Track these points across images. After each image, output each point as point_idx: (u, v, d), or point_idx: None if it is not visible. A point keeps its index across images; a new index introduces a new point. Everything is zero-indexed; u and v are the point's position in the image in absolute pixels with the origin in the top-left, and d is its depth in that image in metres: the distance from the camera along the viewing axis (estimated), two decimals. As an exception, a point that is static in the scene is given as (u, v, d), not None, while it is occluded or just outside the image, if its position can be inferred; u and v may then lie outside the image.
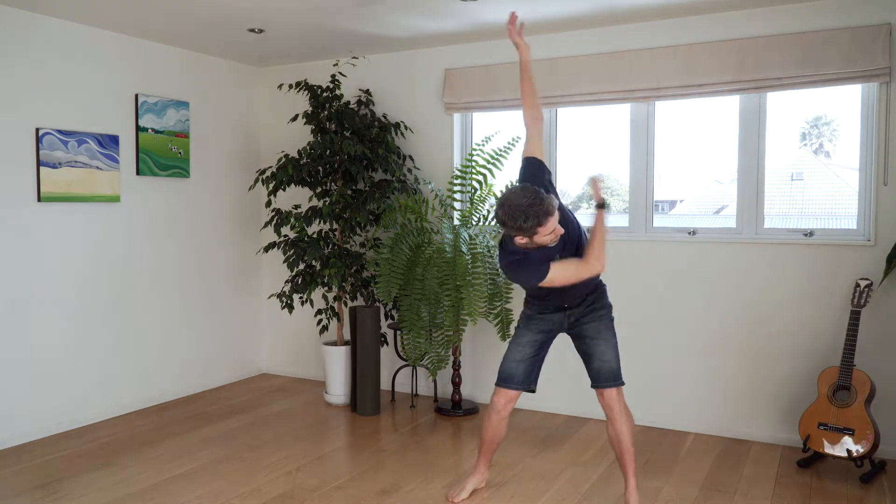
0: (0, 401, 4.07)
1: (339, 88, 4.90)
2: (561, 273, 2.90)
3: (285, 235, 4.98)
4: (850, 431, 3.57)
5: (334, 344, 5.01)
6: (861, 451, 3.53)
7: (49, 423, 4.31)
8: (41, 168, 4.19)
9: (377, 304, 5.00)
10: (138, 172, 4.78)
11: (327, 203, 4.79)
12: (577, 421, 4.58)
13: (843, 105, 4.07)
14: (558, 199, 3.00)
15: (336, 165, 4.86)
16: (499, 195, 4.64)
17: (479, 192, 4.64)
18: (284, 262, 4.80)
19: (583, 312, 3.15)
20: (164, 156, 4.94)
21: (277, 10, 4.10)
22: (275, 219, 4.79)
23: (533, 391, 3.28)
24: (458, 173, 4.62)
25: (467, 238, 4.35)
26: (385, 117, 5.09)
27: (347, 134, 4.86)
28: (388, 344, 5.10)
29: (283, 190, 4.89)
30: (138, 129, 4.76)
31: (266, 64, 5.62)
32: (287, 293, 4.91)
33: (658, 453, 4.00)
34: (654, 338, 4.45)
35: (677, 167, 4.59)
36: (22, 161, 4.13)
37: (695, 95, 4.25)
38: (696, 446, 4.12)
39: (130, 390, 4.80)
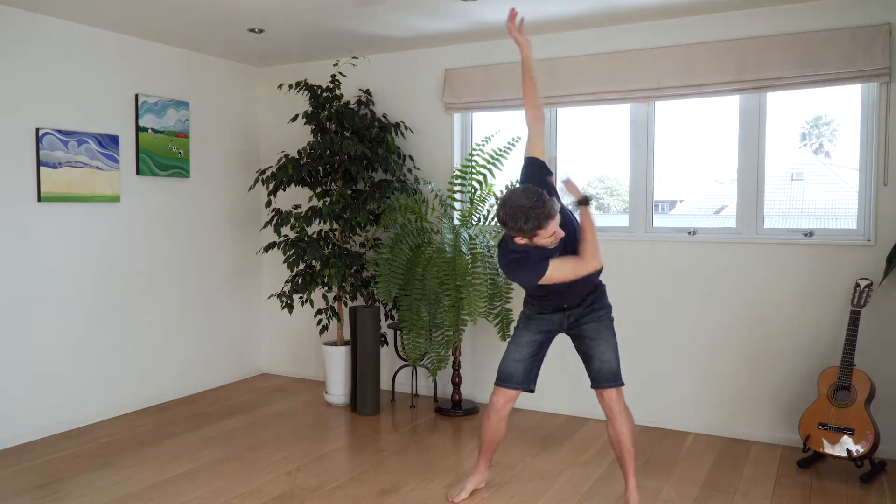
0: (0, 401, 4.07)
1: (339, 88, 4.90)
2: (559, 270, 2.90)
3: (285, 235, 4.98)
4: (850, 431, 3.57)
5: (334, 344, 5.02)
6: (861, 451, 3.53)
7: (49, 423, 4.31)
8: (41, 168, 4.19)
9: (377, 304, 5.00)
10: (138, 172, 4.78)
11: (327, 203, 4.79)
12: (577, 421, 4.58)
13: (843, 105, 4.07)
14: (559, 200, 3.00)
15: (336, 165, 4.86)
16: (499, 195, 4.65)
17: (479, 192, 4.64)
18: (284, 262, 4.80)
19: (582, 313, 3.15)
20: (164, 156, 4.94)
21: (277, 10, 4.10)
22: (275, 219, 4.79)
23: (532, 391, 3.28)
24: (458, 173, 4.62)
25: (467, 238, 4.35)
26: (385, 117, 5.09)
27: (347, 134, 4.86)
28: (388, 344, 5.10)
29: (283, 190, 4.89)
30: (138, 129, 4.76)
31: (266, 64, 5.62)
32: (287, 293, 4.91)
33: (658, 453, 4.00)
34: (654, 338, 4.45)
35: (677, 167, 4.59)
36: (22, 161, 4.13)
37: (695, 95, 4.25)
38: (696, 446, 4.12)
39: (130, 390, 4.80)
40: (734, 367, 4.25)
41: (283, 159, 4.74)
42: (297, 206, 4.94)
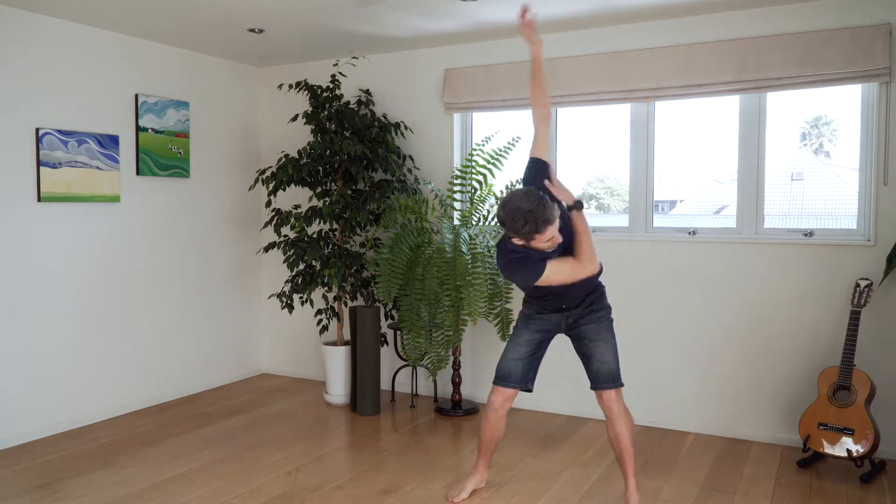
0: (0, 401, 4.07)
1: (339, 88, 4.90)
2: (557, 272, 2.90)
3: (285, 235, 4.98)
4: (850, 431, 3.57)
5: (334, 344, 5.02)
6: (861, 451, 3.53)
7: (49, 423, 4.31)
8: (41, 168, 4.19)
9: (377, 304, 5.00)
10: (138, 172, 4.78)
11: (327, 203, 4.79)
12: (577, 421, 4.58)
13: (843, 105, 4.07)
14: (560, 204, 2.99)
15: (336, 165, 4.86)
16: (499, 195, 4.66)
17: (479, 192, 4.64)
18: (284, 262, 4.80)
19: (581, 314, 3.14)
20: (164, 156, 4.94)
21: (277, 10, 4.10)
22: (275, 219, 4.79)
23: (530, 391, 3.28)
24: (458, 173, 4.62)
25: (467, 238, 4.35)
26: (385, 117, 5.09)
27: (347, 134, 4.86)
28: (388, 344, 5.10)
29: (283, 190, 4.89)
30: (138, 129, 4.76)
31: (266, 64, 5.62)
32: (287, 293, 4.91)
33: (658, 453, 4.00)
34: (654, 338, 4.45)
35: (677, 167, 4.59)
36: (22, 161, 4.13)
37: (695, 95, 4.25)
38: (696, 446, 4.12)
39: (130, 390, 4.80)
40: (734, 367, 4.25)
41: (283, 159, 4.74)
42: (297, 206, 4.94)
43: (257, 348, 5.86)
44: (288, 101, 5.60)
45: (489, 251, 4.35)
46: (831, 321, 4.00)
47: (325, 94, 4.82)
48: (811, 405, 3.73)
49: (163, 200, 4.98)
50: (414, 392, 5.16)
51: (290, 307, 4.93)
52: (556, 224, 2.79)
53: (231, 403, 5.00)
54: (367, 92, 5.17)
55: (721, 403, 4.29)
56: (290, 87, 4.86)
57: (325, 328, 4.97)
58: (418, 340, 4.49)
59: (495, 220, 4.51)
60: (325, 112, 4.82)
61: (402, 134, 5.10)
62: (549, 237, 2.80)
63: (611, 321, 3.18)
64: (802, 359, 4.07)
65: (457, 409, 4.73)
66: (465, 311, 4.21)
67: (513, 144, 4.59)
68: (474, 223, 4.67)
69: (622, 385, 3.13)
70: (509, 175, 4.66)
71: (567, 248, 2.97)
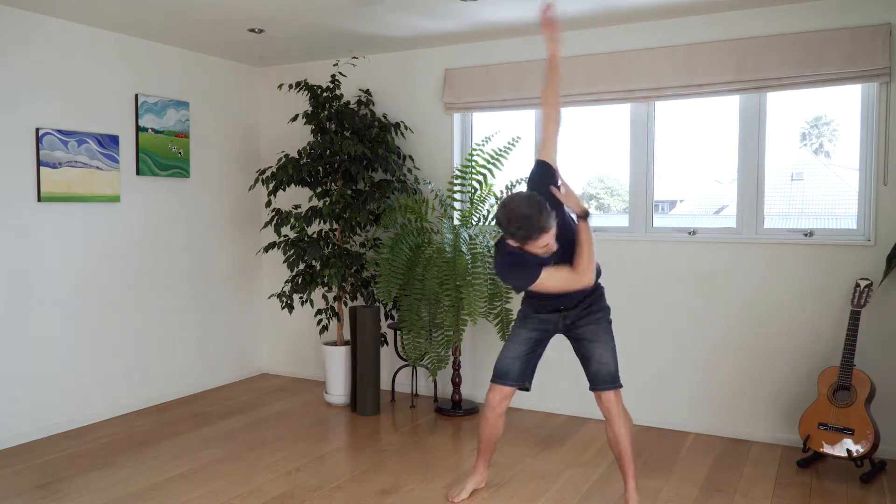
0: (0, 401, 4.07)
1: (339, 88, 4.90)
2: (551, 280, 2.92)
3: (285, 235, 4.98)
4: (850, 431, 3.57)
5: (334, 344, 5.02)
6: (861, 451, 3.52)
7: (49, 423, 4.31)
8: (41, 168, 4.19)
9: (377, 304, 5.00)
10: (138, 172, 4.78)
11: (327, 203, 4.79)
12: (577, 421, 4.58)
13: (843, 105, 4.07)
14: (562, 210, 2.99)
15: (336, 165, 4.86)
16: (499, 195, 4.66)
17: (479, 192, 4.64)
18: (284, 262, 4.80)
19: (579, 315, 3.14)
20: (164, 156, 4.94)
21: (277, 10, 4.10)
22: (275, 219, 4.79)
23: (527, 389, 3.29)
24: (458, 173, 4.62)
25: (467, 238, 4.35)
26: (385, 117, 5.09)
27: (347, 134, 4.86)
28: (388, 344, 5.10)
29: (283, 190, 4.89)
30: (138, 129, 4.76)
31: (266, 64, 5.62)
32: (287, 293, 4.91)
33: (658, 453, 4.00)
34: (654, 338, 4.45)
35: (677, 167, 4.59)
36: (22, 161, 4.13)
37: (695, 95, 4.25)
38: (696, 446, 4.12)
39: (130, 390, 4.80)
40: (734, 367, 4.25)
41: (283, 159, 4.74)
42: (297, 206, 4.94)
43: (257, 348, 5.86)
44: (288, 101, 5.60)
45: (489, 251, 4.35)
46: (831, 321, 4.00)
47: (325, 94, 4.82)
48: (811, 405, 3.73)
49: (163, 200, 4.98)
50: (414, 392, 5.16)
51: (290, 307, 4.93)
52: (552, 233, 2.78)
53: (231, 403, 5.00)
54: (367, 92, 5.17)
55: (721, 403, 4.29)
56: (290, 87, 4.86)
57: (325, 328, 4.97)
58: (418, 340, 4.49)
59: (495, 220, 4.51)
60: (325, 112, 4.82)
61: (402, 134, 5.10)
62: (544, 245, 2.80)
63: (609, 322, 3.18)
64: (802, 359, 4.07)
65: (457, 409, 4.73)
66: (465, 311, 4.21)
67: (513, 144, 4.59)
68: (474, 223, 4.67)
69: (621, 386, 3.14)
70: (509, 175, 4.66)
71: (566, 254, 2.97)
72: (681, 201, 4.76)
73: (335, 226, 5.02)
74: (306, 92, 4.88)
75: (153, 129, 4.86)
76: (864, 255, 3.91)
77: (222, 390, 5.36)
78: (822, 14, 3.91)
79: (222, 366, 5.52)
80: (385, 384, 5.25)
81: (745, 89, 4.10)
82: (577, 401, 4.62)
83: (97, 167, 4.50)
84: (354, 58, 5.17)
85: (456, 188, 4.70)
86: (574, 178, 4.88)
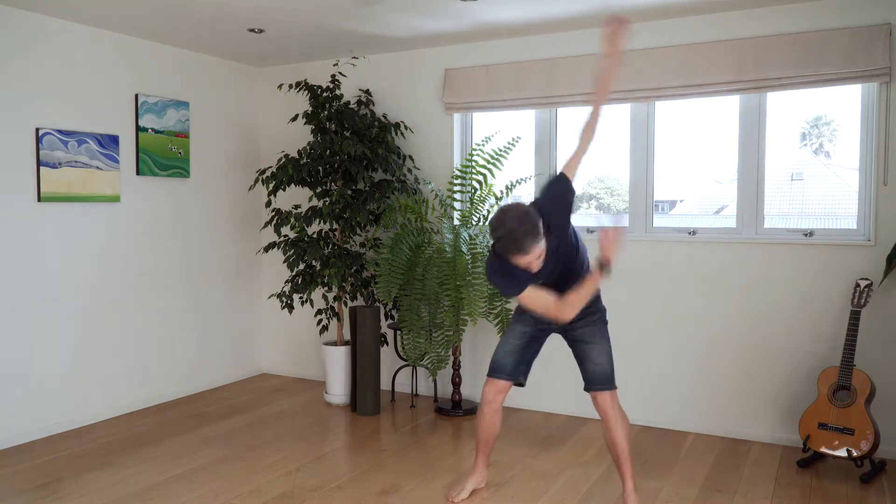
0: (0, 401, 4.07)
1: (339, 88, 4.90)
2: (532, 300, 2.92)
3: (285, 235, 4.98)
4: (850, 431, 3.57)
5: (334, 344, 5.01)
6: (861, 451, 3.52)
7: (49, 423, 4.31)
8: (41, 168, 4.19)
9: (377, 304, 5.00)
10: (138, 172, 4.78)
11: (327, 203, 4.79)
12: (577, 421, 4.58)
13: (843, 105, 4.07)
14: (567, 231, 2.96)
15: (336, 165, 4.86)
16: (499, 195, 4.65)
17: (479, 192, 4.64)
18: (284, 262, 4.80)
19: (576, 316, 3.14)
20: (164, 156, 4.94)
21: (277, 10, 4.10)
22: (275, 219, 4.79)
23: (522, 385, 3.30)
24: (458, 173, 4.62)
25: (467, 238, 4.35)
26: (385, 117, 5.09)
27: (347, 134, 4.86)
28: (388, 344, 5.10)
29: (283, 190, 4.89)
30: (138, 129, 4.76)
31: (266, 64, 5.62)
32: (287, 293, 4.91)
33: (658, 453, 3.99)
34: (654, 338, 4.45)
35: (677, 167, 4.59)
36: (22, 161, 4.13)
37: (695, 95, 4.25)
38: (696, 446, 4.12)
39: (130, 390, 4.80)
40: (734, 367, 4.25)
41: (283, 159, 4.74)
42: (297, 206, 4.94)
43: (257, 348, 5.86)
44: (288, 101, 5.60)
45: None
46: (831, 321, 4.00)
47: (325, 94, 4.82)
48: (811, 405, 3.73)
49: (163, 200, 4.98)
50: (414, 392, 5.16)
51: (290, 307, 4.93)
52: (531, 257, 2.75)
53: (231, 403, 5.00)
54: (367, 92, 5.17)
55: (721, 403, 4.29)
56: (290, 87, 4.86)
57: (325, 328, 4.97)
58: (418, 340, 4.49)
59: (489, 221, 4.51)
60: (325, 112, 4.82)
61: (402, 134, 5.10)
62: (522, 263, 2.78)
63: (605, 324, 3.18)
64: (802, 359, 4.07)
65: (457, 409, 4.73)
66: (465, 311, 4.21)
67: (513, 144, 4.59)
68: (474, 223, 4.67)
69: (616, 387, 3.14)
70: (509, 175, 4.66)
71: (558, 277, 2.98)
72: (681, 201, 4.76)
73: (335, 226, 5.02)
74: (306, 92, 4.88)
75: (153, 129, 4.86)
76: (864, 255, 3.91)
77: (222, 390, 5.36)
78: (822, 14, 3.91)
79: (222, 366, 5.52)
80: (385, 384, 5.25)
81: (744, 89, 4.10)
82: (577, 401, 4.61)
83: (97, 167, 4.50)
84: (354, 58, 5.17)
85: (456, 188, 4.70)
86: (574, 178, 4.88)
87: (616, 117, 4.60)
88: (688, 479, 3.61)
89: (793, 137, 4.31)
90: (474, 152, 4.58)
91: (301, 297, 4.99)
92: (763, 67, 4.00)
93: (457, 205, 4.84)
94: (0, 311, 4.06)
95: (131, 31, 4.61)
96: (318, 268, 4.84)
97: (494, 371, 3.24)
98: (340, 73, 4.97)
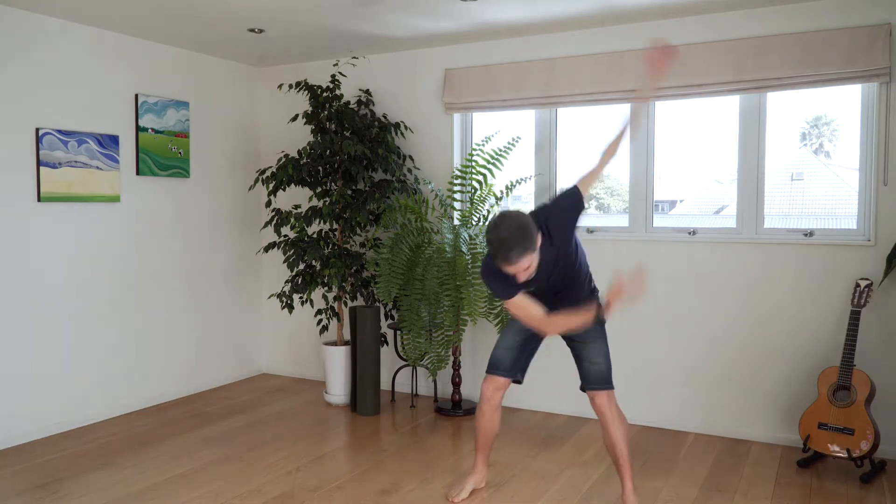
0: (0, 401, 4.07)
1: (339, 88, 4.90)
2: (519, 308, 2.92)
3: (285, 235, 4.98)
4: (850, 431, 3.57)
5: (334, 344, 5.01)
6: (861, 451, 3.52)
7: (49, 423, 4.31)
8: (41, 168, 4.19)
9: (377, 304, 5.00)
10: (138, 172, 4.78)
11: (327, 203, 4.79)
12: (577, 421, 4.58)
13: (843, 105, 4.07)
14: (573, 237, 2.95)
15: (336, 165, 4.86)
16: (499, 195, 4.65)
17: (479, 192, 4.64)
18: (284, 262, 4.80)
19: None
20: (164, 156, 4.94)
21: (277, 10, 4.10)
22: (275, 219, 4.79)
23: (519, 382, 3.30)
24: (458, 173, 4.62)
25: (467, 238, 4.35)
26: (385, 117, 5.09)
27: (347, 134, 4.86)
28: (388, 344, 5.10)
29: (283, 190, 4.89)
30: (138, 129, 4.76)
31: (266, 64, 5.62)
32: (287, 293, 4.91)
33: (658, 453, 3.99)
34: (654, 338, 4.45)
35: (677, 167, 4.59)
36: (22, 161, 4.13)
37: (694, 95, 4.24)
38: (696, 446, 4.12)
39: (130, 390, 4.80)
40: (734, 367, 4.25)
41: (283, 159, 4.74)
42: (297, 206, 4.94)
43: (257, 348, 5.86)
44: (288, 101, 5.60)
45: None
46: (831, 321, 3.99)
47: (325, 94, 4.82)
48: (811, 405, 3.73)
49: (163, 200, 4.98)
50: (414, 392, 5.16)
51: (290, 307, 4.93)
52: (517, 269, 2.74)
53: (231, 403, 5.00)
54: (367, 92, 5.17)
55: (721, 403, 4.29)
56: (290, 87, 4.86)
57: (325, 328, 4.97)
58: (418, 340, 4.49)
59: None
60: (325, 112, 4.82)
61: (402, 134, 5.10)
62: (508, 272, 2.78)
63: (603, 324, 3.18)
64: (802, 359, 4.07)
65: (457, 409, 4.73)
66: (465, 311, 4.21)
67: (513, 144, 4.59)
68: (474, 223, 4.67)
69: (613, 387, 3.14)
70: (509, 175, 4.65)
71: (549, 291, 2.99)
72: (681, 201, 4.76)
73: (335, 226, 5.02)
74: (306, 92, 4.88)
75: (153, 129, 4.86)
76: (864, 255, 3.91)
77: (222, 390, 5.36)
78: (821, 14, 3.91)
79: (222, 366, 5.52)
80: (385, 384, 5.25)
81: (744, 89, 4.10)
82: (577, 401, 4.60)
83: (97, 167, 4.50)
84: (354, 58, 5.17)
85: (456, 188, 4.70)
86: (574, 177, 4.88)
87: (616, 117, 4.60)
88: (688, 479, 3.61)
89: (793, 137, 4.31)
90: (474, 152, 4.58)
91: (301, 297, 4.99)
92: (763, 67, 4.00)
93: (457, 205, 4.84)
94: (0, 311, 4.06)
95: (131, 31, 4.61)
96: (318, 268, 4.84)
97: (493, 367, 3.25)
98: (340, 73, 4.97)
